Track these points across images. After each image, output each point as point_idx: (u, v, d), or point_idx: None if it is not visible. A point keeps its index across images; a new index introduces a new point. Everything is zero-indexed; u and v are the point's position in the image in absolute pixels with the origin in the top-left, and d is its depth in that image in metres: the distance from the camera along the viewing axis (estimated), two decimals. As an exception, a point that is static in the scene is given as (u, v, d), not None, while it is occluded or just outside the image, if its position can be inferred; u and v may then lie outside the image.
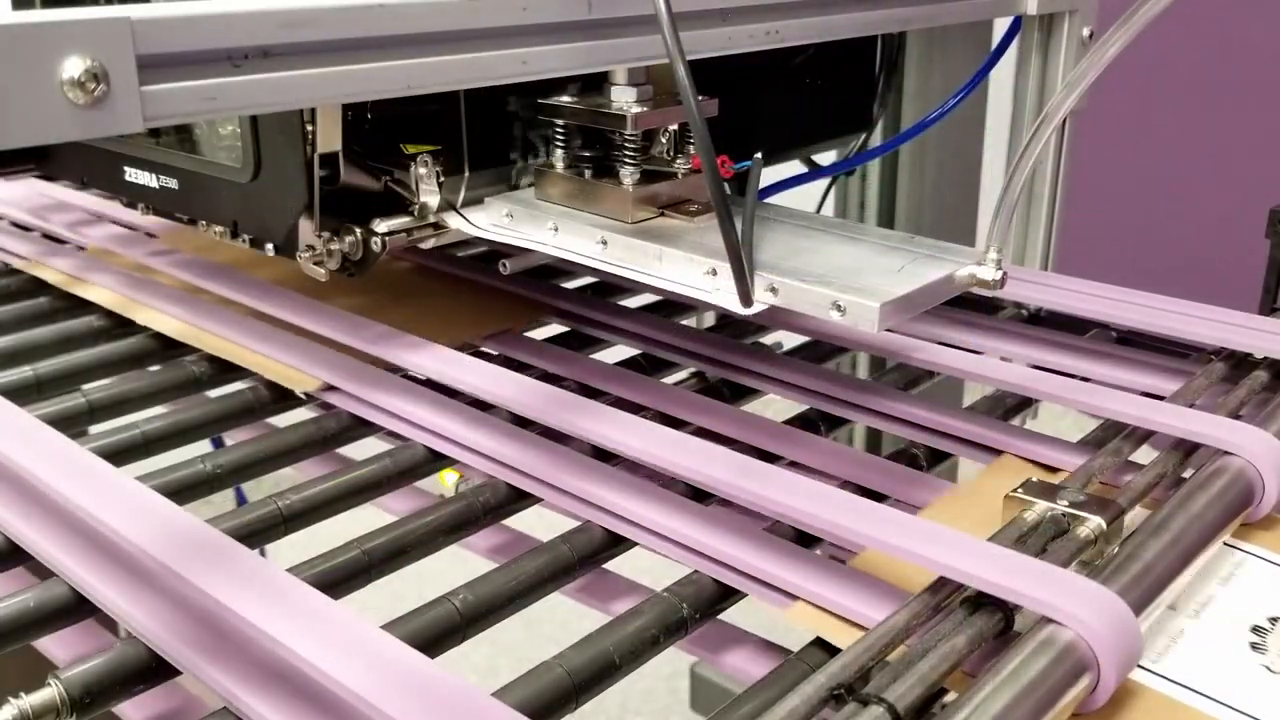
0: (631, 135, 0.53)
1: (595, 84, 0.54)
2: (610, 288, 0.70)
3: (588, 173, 0.54)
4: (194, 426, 0.53)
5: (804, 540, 0.43)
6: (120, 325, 0.62)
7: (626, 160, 0.53)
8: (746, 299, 0.46)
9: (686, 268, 0.49)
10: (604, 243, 0.51)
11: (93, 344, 0.61)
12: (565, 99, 0.54)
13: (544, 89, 0.55)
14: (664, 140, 0.56)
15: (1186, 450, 0.46)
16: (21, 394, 0.55)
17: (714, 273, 0.47)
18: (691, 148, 0.55)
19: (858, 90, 0.77)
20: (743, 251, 0.45)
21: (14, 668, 0.38)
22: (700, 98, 0.44)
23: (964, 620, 0.35)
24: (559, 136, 0.55)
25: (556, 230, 0.53)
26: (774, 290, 0.46)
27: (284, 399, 0.55)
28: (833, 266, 0.47)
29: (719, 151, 0.46)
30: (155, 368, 0.59)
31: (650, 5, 0.44)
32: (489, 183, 0.57)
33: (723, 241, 0.45)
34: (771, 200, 0.71)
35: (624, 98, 0.53)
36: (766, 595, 0.40)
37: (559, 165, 0.55)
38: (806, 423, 0.54)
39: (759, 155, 0.49)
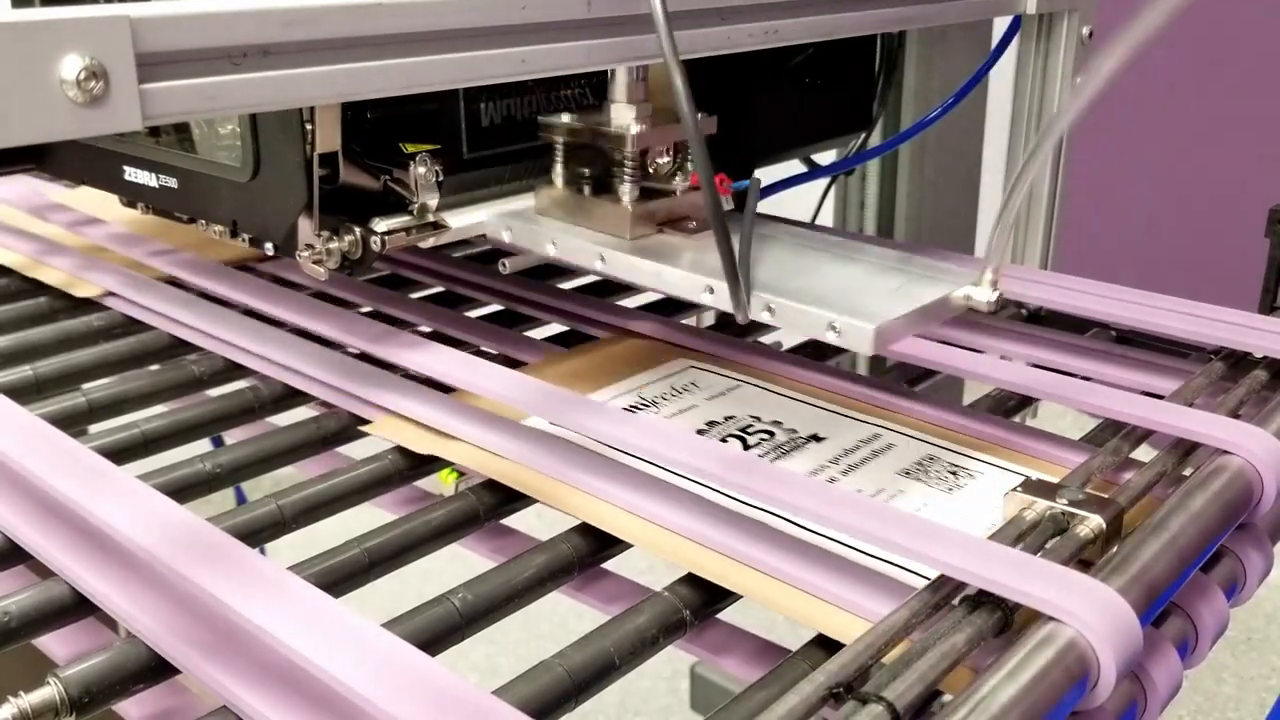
0: (631, 154, 0.53)
1: (596, 101, 0.54)
2: (610, 288, 0.70)
3: (587, 189, 0.54)
4: (194, 426, 0.53)
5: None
6: (120, 325, 0.63)
7: (626, 178, 0.53)
8: (743, 316, 0.46)
9: (684, 285, 0.49)
10: (602, 259, 0.51)
11: (93, 344, 0.61)
12: (565, 118, 0.54)
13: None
14: (662, 160, 0.56)
15: (1186, 449, 0.46)
16: (21, 394, 0.54)
17: (711, 290, 0.48)
18: (691, 165, 0.55)
19: (858, 90, 0.77)
20: (739, 271, 0.45)
21: (14, 667, 0.38)
22: (700, 114, 0.44)
23: (964, 618, 0.35)
24: (558, 153, 0.55)
25: (555, 245, 0.53)
26: (770, 310, 0.46)
27: (285, 398, 0.56)
28: (830, 286, 0.47)
29: (717, 160, 0.46)
30: (155, 367, 0.59)
31: (649, 4, 0.44)
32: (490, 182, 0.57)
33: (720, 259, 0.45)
34: (772, 199, 0.71)
35: (624, 117, 0.53)
36: (765, 592, 0.40)
37: (558, 181, 0.55)
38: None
39: (757, 176, 0.49)
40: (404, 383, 0.53)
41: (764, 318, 0.46)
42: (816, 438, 0.50)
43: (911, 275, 0.48)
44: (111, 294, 0.64)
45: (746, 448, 0.48)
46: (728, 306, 0.46)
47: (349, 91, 0.39)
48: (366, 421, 0.52)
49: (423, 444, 0.49)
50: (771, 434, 0.50)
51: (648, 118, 0.53)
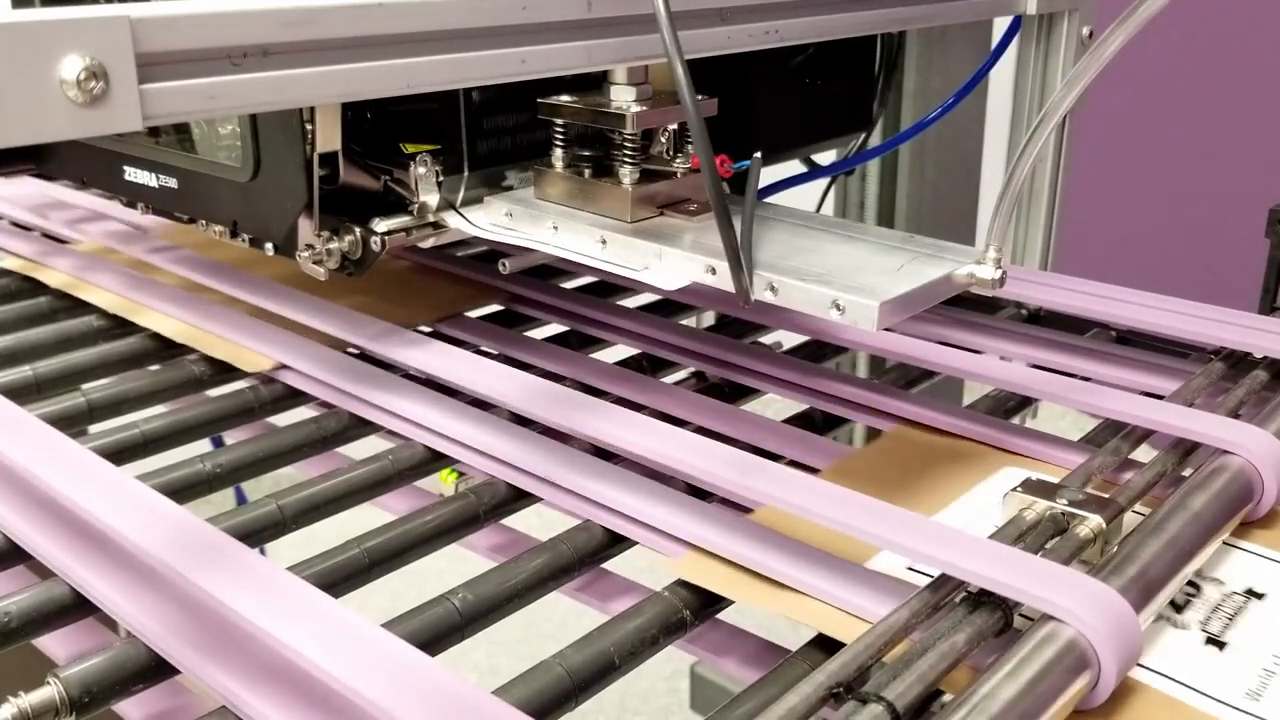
0: (631, 135, 0.53)
1: (595, 83, 0.54)
2: (610, 288, 0.70)
3: (587, 172, 0.54)
4: (194, 426, 0.53)
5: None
6: (120, 325, 0.63)
7: (626, 160, 0.53)
8: (745, 297, 0.46)
9: (686, 266, 0.49)
10: (603, 242, 0.51)
11: (93, 344, 0.61)
12: (565, 98, 0.54)
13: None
14: (663, 140, 0.56)
15: (1186, 449, 0.46)
16: (21, 394, 0.55)
17: (713, 271, 0.48)
18: (691, 147, 0.55)
19: (858, 90, 0.77)
20: (741, 251, 0.45)
21: (14, 667, 0.38)
22: (700, 97, 0.44)
23: (964, 618, 0.35)
24: (558, 136, 0.55)
25: (556, 229, 0.53)
26: (773, 289, 0.46)
27: (284, 399, 0.55)
28: (832, 265, 0.47)
29: (718, 151, 0.46)
30: (155, 368, 0.59)
31: (650, 4, 0.44)
32: (489, 182, 0.57)
33: (721, 240, 0.45)
34: (771, 200, 0.71)
35: (624, 97, 0.53)
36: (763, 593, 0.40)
37: (558, 165, 0.55)
38: (807, 422, 0.54)
39: (758, 155, 0.49)
40: (405, 383, 0.53)
41: (766, 297, 0.46)
42: (1254, 593, 0.40)
43: (914, 254, 0.48)
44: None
45: (1177, 610, 0.39)
46: (730, 286, 0.46)
47: (349, 92, 0.39)
48: (367, 422, 0.52)
49: (741, 591, 0.39)
50: (1197, 587, 0.40)
51: (648, 98, 0.53)
